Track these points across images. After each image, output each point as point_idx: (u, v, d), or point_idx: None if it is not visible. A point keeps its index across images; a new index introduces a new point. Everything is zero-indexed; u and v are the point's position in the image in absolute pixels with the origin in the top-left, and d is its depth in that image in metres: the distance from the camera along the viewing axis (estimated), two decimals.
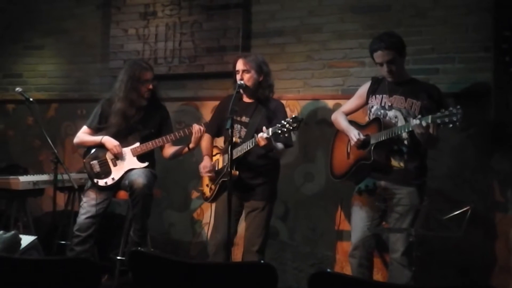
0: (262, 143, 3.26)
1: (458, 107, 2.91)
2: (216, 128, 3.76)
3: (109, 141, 3.87)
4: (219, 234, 3.53)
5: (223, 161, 3.59)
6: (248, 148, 3.40)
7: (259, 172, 3.52)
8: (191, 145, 3.84)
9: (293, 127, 3.21)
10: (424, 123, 3.03)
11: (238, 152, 3.42)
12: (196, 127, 3.76)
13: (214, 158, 3.68)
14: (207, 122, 3.85)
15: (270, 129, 3.24)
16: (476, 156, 3.79)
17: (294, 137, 3.72)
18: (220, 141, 3.86)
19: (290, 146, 3.60)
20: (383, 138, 3.20)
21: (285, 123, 3.21)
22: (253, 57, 3.62)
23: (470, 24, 3.84)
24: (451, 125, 2.93)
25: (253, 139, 3.35)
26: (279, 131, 3.21)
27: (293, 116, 3.24)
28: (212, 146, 3.78)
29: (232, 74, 3.64)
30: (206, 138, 3.78)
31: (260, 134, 3.27)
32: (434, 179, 3.67)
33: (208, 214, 3.74)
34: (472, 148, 3.79)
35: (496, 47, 3.67)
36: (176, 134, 3.86)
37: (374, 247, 3.52)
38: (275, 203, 3.66)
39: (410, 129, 3.11)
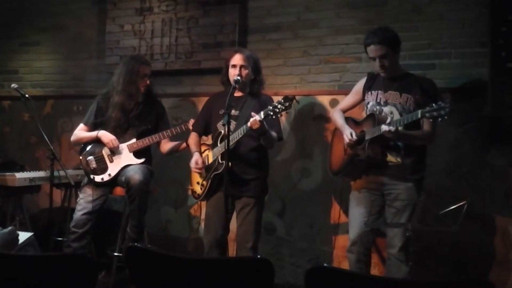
0: (256, 126, 3.22)
1: (447, 101, 2.91)
2: (203, 126, 3.73)
3: (105, 135, 3.87)
4: (210, 235, 3.52)
5: (213, 156, 3.55)
6: (240, 136, 3.36)
7: (251, 165, 3.50)
8: None
9: (285, 107, 3.15)
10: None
11: (230, 142, 3.34)
12: (192, 123, 3.79)
13: (203, 155, 3.65)
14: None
15: (262, 112, 3.21)
16: (473, 151, 3.79)
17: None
18: (207, 139, 3.82)
19: (281, 139, 3.60)
20: (377, 134, 3.20)
21: (276, 104, 3.17)
22: (250, 53, 3.62)
23: (466, 20, 3.83)
24: (439, 119, 2.92)
25: (244, 126, 3.31)
26: (272, 113, 3.17)
27: (284, 96, 3.19)
28: (200, 143, 3.75)
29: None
30: (193, 137, 3.74)
31: (254, 118, 3.22)
32: (431, 174, 3.67)
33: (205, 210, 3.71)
34: (469, 143, 3.80)
35: (492, 43, 3.66)
36: (173, 130, 3.86)
37: (372, 242, 3.53)
38: (265, 198, 3.64)
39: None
